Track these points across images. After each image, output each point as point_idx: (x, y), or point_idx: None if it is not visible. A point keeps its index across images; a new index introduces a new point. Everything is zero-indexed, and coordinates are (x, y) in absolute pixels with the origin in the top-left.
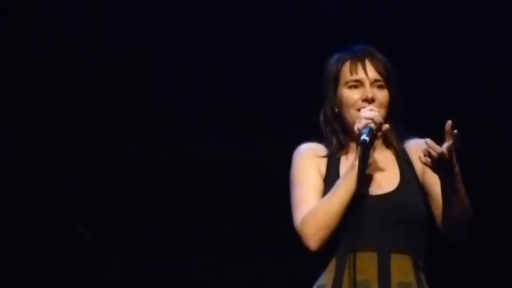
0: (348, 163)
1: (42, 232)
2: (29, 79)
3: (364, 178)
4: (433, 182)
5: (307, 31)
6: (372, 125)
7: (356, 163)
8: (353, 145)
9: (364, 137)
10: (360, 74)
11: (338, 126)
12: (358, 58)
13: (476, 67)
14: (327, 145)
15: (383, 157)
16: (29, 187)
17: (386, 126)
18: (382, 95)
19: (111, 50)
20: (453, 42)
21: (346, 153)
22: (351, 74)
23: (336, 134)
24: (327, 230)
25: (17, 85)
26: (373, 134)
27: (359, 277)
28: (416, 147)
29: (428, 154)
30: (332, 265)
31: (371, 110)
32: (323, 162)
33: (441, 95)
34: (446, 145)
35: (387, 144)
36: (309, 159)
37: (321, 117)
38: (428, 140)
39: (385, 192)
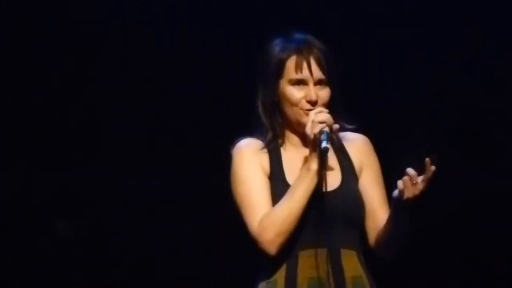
0: (290, 155)
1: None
2: None
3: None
4: (369, 185)
5: None
6: (327, 128)
7: (313, 166)
8: (292, 137)
9: (325, 144)
10: (305, 74)
11: (276, 116)
12: (303, 56)
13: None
14: (262, 137)
15: None
16: None
17: (336, 126)
18: (325, 93)
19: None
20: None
21: (283, 144)
22: (296, 72)
23: (273, 125)
24: (286, 235)
25: None
26: (330, 137)
27: (311, 273)
28: (355, 142)
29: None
30: (283, 262)
31: (321, 112)
32: (265, 158)
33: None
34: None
35: None
36: (251, 158)
37: (259, 105)
38: (410, 171)
39: (330, 189)
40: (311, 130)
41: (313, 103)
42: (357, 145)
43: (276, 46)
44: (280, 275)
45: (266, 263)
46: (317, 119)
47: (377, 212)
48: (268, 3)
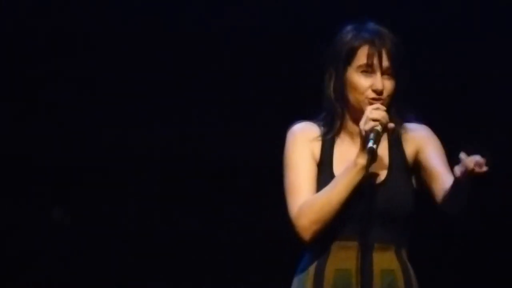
0: (344, 145)
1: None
2: None
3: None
4: (431, 157)
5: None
6: (379, 127)
7: (360, 161)
8: (350, 126)
9: (371, 144)
10: (375, 63)
11: (341, 106)
12: (375, 46)
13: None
14: (322, 124)
15: None
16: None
17: (391, 125)
18: (390, 85)
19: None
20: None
21: (343, 133)
22: (367, 61)
23: (337, 115)
24: (322, 224)
25: None
26: (379, 137)
27: (339, 265)
28: (413, 132)
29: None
30: (316, 252)
31: (378, 108)
32: (317, 145)
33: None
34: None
35: None
36: (302, 143)
37: (330, 91)
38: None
39: (373, 183)
40: (363, 125)
41: (379, 93)
42: (414, 134)
43: (349, 33)
44: (312, 266)
45: (305, 254)
46: (371, 116)
47: (443, 177)
48: None
